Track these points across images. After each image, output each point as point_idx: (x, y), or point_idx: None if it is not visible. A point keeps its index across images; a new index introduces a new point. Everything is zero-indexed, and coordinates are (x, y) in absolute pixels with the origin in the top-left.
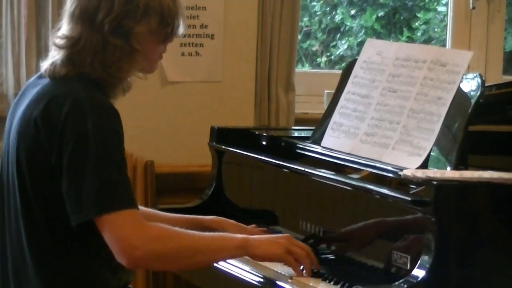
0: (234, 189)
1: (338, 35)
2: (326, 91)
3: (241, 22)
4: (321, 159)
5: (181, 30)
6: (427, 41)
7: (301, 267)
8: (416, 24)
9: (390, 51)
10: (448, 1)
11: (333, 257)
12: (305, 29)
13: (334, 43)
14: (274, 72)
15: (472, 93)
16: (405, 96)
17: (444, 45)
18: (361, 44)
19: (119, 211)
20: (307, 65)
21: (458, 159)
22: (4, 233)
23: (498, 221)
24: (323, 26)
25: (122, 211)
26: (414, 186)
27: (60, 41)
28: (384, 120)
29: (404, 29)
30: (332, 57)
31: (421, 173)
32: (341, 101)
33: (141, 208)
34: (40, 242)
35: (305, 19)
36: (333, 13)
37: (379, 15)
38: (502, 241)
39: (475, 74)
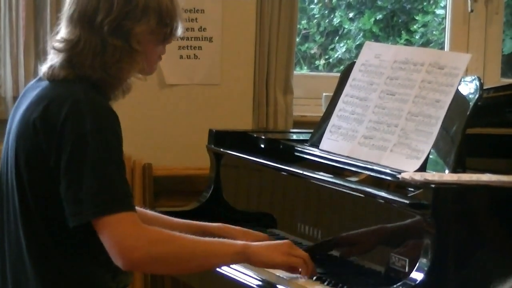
0: (232, 192)
1: (337, 38)
2: (324, 94)
3: (239, 25)
4: (319, 162)
5: (179, 30)
6: (426, 44)
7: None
8: (415, 27)
9: (388, 54)
10: (446, 4)
11: (331, 260)
12: (303, 32)
13: (332, 46)
14: (272, 74)
15: (470, 96)
16: (403, 99)
17: (442, 48)
18: (359, 47)
19: (117, 213)
20: (305, 67)
21: (456, 162)
22: (3, 235)
23: (496, 224)
24: (321, 29)
25: (121, 213)
26: (412, 189)
27: (59, 45)
28: (382, 123)
29: (403, 32)
30: (331, 60)
31: (419, 176)
32: (339, 104)
33: (145, 210)
34: (38, 244)
35: (303, 21)
36: (332, 16)
37: (378, 18)
38: (500, 244)
39: (473, 77)
